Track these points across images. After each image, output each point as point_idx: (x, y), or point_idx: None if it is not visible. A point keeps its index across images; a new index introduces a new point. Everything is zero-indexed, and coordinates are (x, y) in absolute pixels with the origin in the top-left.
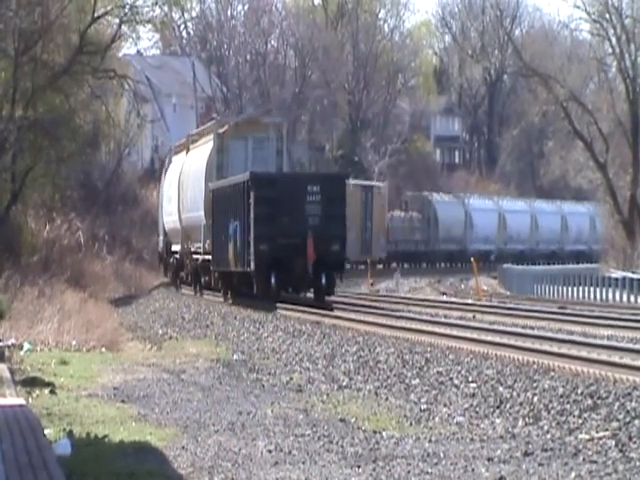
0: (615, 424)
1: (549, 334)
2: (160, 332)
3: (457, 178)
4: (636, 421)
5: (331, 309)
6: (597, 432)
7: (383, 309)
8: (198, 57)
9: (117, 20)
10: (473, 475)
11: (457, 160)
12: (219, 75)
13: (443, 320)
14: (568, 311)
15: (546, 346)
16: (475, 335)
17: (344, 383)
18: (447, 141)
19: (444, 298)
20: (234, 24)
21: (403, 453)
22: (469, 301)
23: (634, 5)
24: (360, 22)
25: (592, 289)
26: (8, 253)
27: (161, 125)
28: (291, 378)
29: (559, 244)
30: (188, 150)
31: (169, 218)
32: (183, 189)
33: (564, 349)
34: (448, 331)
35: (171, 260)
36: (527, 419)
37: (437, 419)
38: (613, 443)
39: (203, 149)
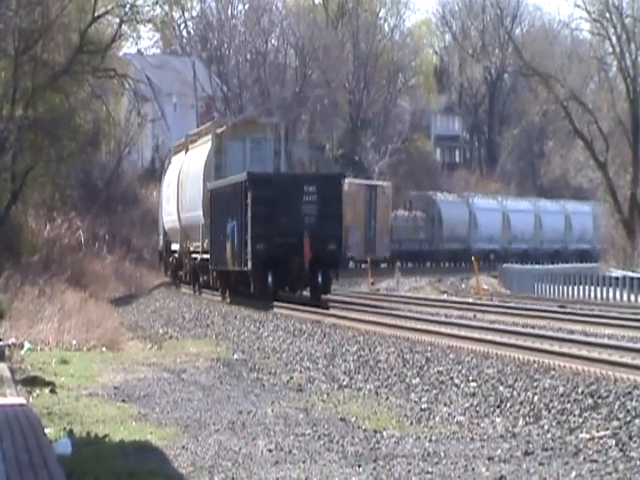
0: (615, 423)
1: (549, 333)
2: (160, 331)
3: (457, 177)
4: (636, 420)
5: (327, 307)
6: (597, 431)
7: (383, 308)
8: (198, 56)
9: (117, 19)
10: (473, 474)
11: (457, 159)
12: (219, 74)
13: (444, 319)
14: (568, 310)
15: (546, 345)
16: (476, 334)
17: (344, 382)
18: (447, 140)
19: (444, 297)
20: (234, 23)
21: (403, 452)
22: (470, 300)
23: (634, 4)
24: (360, 21)
25: (592, 288)
26: (8, 252)
27: (161, 124)
28: (291, 377)
29: (563, 243)
30: (187, 150)
31: (168, 218)
32: (182, 189)
33: (564, 348)
34: (449, 330)
35: (170, 259)
36: (527, 418)
37: (437, 418)
38: (614, 442)
39: (201, 149)
